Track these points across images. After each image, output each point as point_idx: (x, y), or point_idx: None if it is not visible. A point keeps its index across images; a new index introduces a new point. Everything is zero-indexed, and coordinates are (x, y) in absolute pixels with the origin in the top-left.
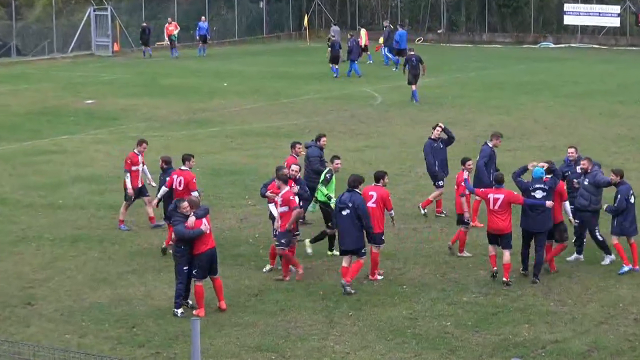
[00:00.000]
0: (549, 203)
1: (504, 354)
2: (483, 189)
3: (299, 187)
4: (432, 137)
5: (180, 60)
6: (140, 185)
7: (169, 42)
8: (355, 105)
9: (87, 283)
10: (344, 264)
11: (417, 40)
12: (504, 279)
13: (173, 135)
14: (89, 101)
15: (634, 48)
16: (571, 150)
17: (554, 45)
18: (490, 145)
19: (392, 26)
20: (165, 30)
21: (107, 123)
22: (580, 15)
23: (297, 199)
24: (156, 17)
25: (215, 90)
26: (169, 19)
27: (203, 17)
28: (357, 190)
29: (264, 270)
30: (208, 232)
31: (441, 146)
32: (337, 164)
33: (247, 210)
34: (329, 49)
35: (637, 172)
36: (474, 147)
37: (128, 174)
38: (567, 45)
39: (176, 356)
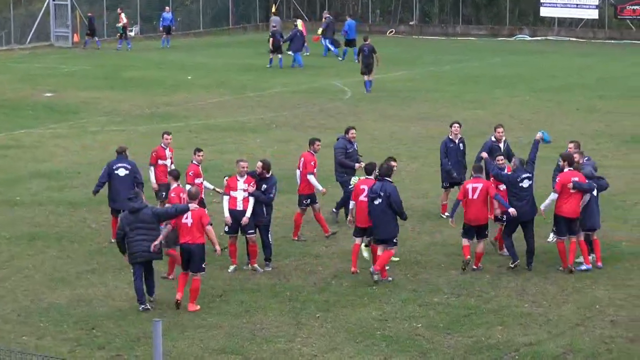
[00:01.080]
0: (512, 211)
1: (477, 356)
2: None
3: (264, 185)
4: (449, 136)
5: (143, 52)
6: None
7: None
8: (324, 100)
9: (45, 283)
10: (379, 252)
11: (389, 32)
12: (474, 267)
13: (135, 130)
14: (48, 94)
15: (612, 41)
16: (571, 145)
17: (530, 38)
18: (493, 139)
19: (332, 16)
20: (120, 21)
21: (67, 117)
22: (557, 7)
23: (225, 199)
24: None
25: (179, 83)
26: (119, 10)
27: (167, 8)
28: (388, 179)
29: (229, 270)
30: (189, 224)
31: (461, 147)
32: (353, 133)
33: (212, 208)
34: (271, 39)
35: (615, 169)
36: None
37: (152, 168)
38: (543, 37)
39: (137, 358)
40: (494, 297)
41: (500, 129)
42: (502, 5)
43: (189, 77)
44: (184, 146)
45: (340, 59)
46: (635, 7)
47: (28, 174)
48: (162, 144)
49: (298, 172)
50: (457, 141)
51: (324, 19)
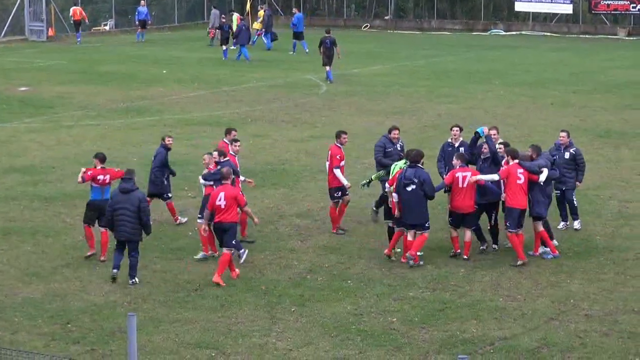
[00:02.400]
0: (504, 196)
1: (451, 350)
2: (448, 173)
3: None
4: (449, 139)
5: (119, 47)
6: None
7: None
8: (299, 94)
9: (19, 277)
10: (410, 237)
11: (364, 27)
12: (465, 256)
13: (110, 124)
14: (23, 88)
15: (587, 36)
16: (563, 134)
17: (504, 33)
18: (449, 141)
19: (271, 10)
20: (73, 15)
21: (42, 111)
22: (531, 2)
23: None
24: (92, 2)
25: (154, 77)
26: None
27: (142, 1)
28: (419, 165)
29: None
30: (222, 206)
31: (461, 152)
32: (396, 133)
33: (187, 202)
34: (219, 31)
35: (589, 163)
36: (422, 138)
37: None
38: (518, 32)
39: (112, 353)
40: (468, 292)
41: (455, 129)
42: (476, 0)
43: (164, 72)
44: (158, 140)
45: (292, 52)
46: (609, 2)
47: (2, 168)
48: (226, 140)
49: (327, 164)
50: (456, 145)
51: (263, 12)
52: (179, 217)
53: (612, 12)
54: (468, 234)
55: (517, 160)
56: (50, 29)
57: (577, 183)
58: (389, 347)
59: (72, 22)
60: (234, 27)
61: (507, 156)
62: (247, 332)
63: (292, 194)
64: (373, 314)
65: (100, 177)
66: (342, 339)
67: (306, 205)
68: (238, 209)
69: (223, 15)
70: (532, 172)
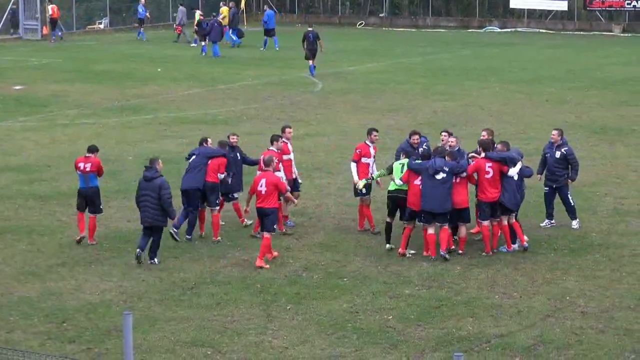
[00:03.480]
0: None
1: (447, 348)
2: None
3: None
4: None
5: (114, 45)
6: (293, 177)
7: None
8: (294, 92)
9: (15, 276)
10: (430, 231)
11: (359, 24)
12: (460, 251)
13: (105, 123)
14: (18, 87)
15: (582, 33)
16: (554, 132)
17: (499, 30)
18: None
19: (236, 7)
20: (52, 13)
21: (37, 110)
22: None
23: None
24: (87, 0)
25: (149, 76)
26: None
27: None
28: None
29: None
30: (263, 192)
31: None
32: (416, 139)
33: (180, 201)
34: (195, 27)
35: (585, 159)
36: None
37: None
38: (513, 29)
39: (108, 352)
40: (464, 289)
41: (415, 136)
42: None
43: (159, 70)
44: (153, 138)
45: (262, 49)
46: None
47: None
48: (284, 138)
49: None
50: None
51: (227, 9)
52: (245, 219)
53: (607, 8)
54: (463, 230)
55: (483, 155)
56: (44, 28)
57: (570, 181)
58: (385, 344)
59: (49, 20)
60: (102, 25)
61: (479, 148)
62: (243, 330)
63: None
64: (369, 312)
65: (81, 164)
66: (338, 337)
67: (301, 203)
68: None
69: (201, 13)
70: (500, 161)
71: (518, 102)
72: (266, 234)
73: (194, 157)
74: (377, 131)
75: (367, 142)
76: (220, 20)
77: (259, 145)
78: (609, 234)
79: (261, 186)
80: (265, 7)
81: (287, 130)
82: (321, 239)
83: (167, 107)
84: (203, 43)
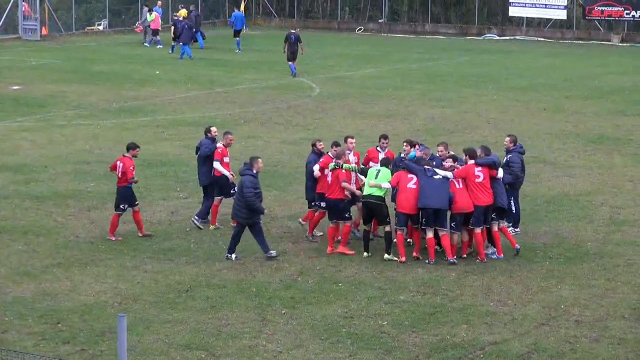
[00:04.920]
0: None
1: (442, 355)
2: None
3: None
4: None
5: (112, 46)
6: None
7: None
8: (292, 96)
9: (10, 277)
10: (429, 234)
11: (357, 30)
12: (464, 255)
13: (102, 124)
14: (15, 87)
15: (580, 41)
16: (507, 138)
17: (498, 37)
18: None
19: (197, 11)
20: (24, 12)
21: (34, 110)
22: (525, 6)
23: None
24: (86, 1)
25: (147, 77)
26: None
27: (160, 2)
28: None
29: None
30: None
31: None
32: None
33: (178, 203)
34: (172, 27)
35: (582, 168)
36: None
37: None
38: (512, 37)
39: (102, 353)
40: (459, 296)
41: (384, 141)
42: (471, 4)
43: (157, 72)
44: (150, 141)
45: (238, 51)
46: (603, 8)
47: None
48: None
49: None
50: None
51: (186, 12)
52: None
53: (606, 18)
54: (465, 235)
55: (473, 161)
56: (43, 28)
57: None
58: (379, 350)
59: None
60: (151, 23)
61: (465, 156)
62: (238, 334)
63: (284, 196)
64: (363, 317)
65: (117, 163)
66: (333, 342)
67: (298, 208)
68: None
69: (176, 14)
70: (489, 166)
71: (515, 110)
72: (345, 223)
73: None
74: (386, 138)
75: (378, 148)
76: (190, 22)
77: (256, 148)
78: (604, 243)
79: (329, 177)
80: (235, 8)
81: (350, 140)
82: (317, 244)
83: (164, 109)
84: (173, 43)
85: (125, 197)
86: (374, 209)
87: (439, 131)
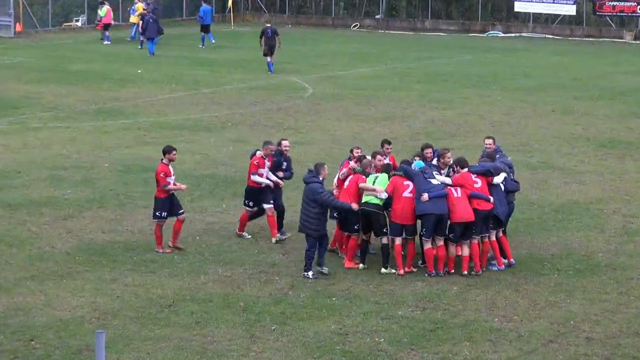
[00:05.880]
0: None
1: None
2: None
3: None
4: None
5: (90, 44)
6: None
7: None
8: (283, 97)
9: None
10: (428, 245)
11: (353, 27)
12: (464, 272)
13: (80, 127)
14: None
15: (591, 39)
16: (489, 141)
17: (503, 35)
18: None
19: (155, 3)
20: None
21: (7, 112)
22: (532, 2)
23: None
24: None
25: (128, 77)
26: None
27: None
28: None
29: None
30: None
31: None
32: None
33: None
34: (140, 22)
35: (592, 174)
36: (413, 146)
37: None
38: (517, 34)
39: None
40: (461, 311)
41: (387, 146)
42: None
43: (139, 71)
44: (131, 144)
45: (201, 46)
46: (614, 4)
47: None
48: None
49: None
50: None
51: (141, 5)
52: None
53: (618, 14)
54: (465, 248)
55: (466, 169)
56: (17, 24)
57: None
58: None
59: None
60: (103, 18)
61: (457, 167)
62: (224, 352)
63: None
64: (359, 334)
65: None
66: None
67: (289, 216)
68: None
69: (145, 7)
70: (483, 174)
71: (521, 111)
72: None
73: None
74: (389, 143)
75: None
76: (154, 16)
77: (245, 153)
78: (616, 255)
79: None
80: (203, 2)
81: (386, 146)
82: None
83: (146, 111)
84: (141, 37)
85: (163, 205)
86: (371, 218)
87: (440, 135)
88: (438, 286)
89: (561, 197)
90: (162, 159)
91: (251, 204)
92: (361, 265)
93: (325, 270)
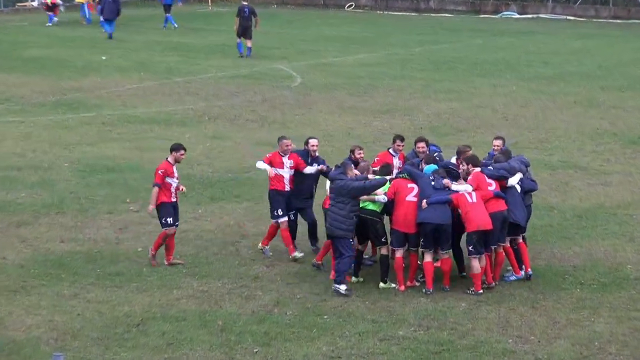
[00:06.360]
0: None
1: None
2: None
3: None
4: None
5: (48, 27)
6: None
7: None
8: (268, 87)
9: None
10: (428, 258)
11: (347, 7)
12: (477, 290)
13: (36, 121)
14: None
15: (618, 21)
16: (497, 142)
17: (518, 16)
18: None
19: None
20: None
21: None
22: None
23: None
24: None
25: (91, 64)
26: None
27: None
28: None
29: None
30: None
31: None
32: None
33: (128, 218)
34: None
35: (620, 175)
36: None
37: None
38: (535, 15)
39: None
40: (470, 331)
41: (400, 142)
42: None
43: (104, 58)
44: (95, 141)
45: (163, 27)
46: None
47: None
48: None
49: None
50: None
51: None
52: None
53: None
54: (483, 260)
55: (478, 169)
56: None
57: None
58: None
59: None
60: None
61: (467, 165)
62: None
63: (258, 209)
64: (354, 357)
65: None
66: None
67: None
68: None
69: None
70: (497, 179)
71: (539, 103)
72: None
73: None
74: (402, 140)
75: (391, 151)
76: None
77: (224, 151)
78: None
79: None
80: None
81: (398, 142)
82: (297, 267)
83: (111, 103)
84: (101, 18)
85: (168, 211)
86: (368, 226)
87: (446, 130)
88: (444, 302)
89: (584, 200)
90: (167, 157)
91: (280, 212)
92: (354, 279)
93: (341, 289)
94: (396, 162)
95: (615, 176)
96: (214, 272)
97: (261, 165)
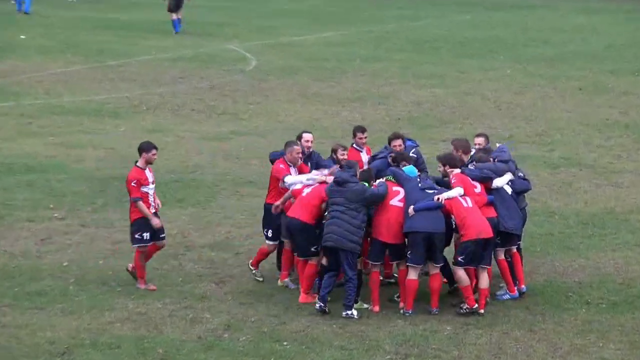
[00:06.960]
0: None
1: None
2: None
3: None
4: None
5: None
6: None
7: None
8: (217, 71)
9: None
10: (412, 276)
11: None
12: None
13: None
14: None
15: None
16: (479, 139)
17: None
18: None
19: None
20: None
21: None
22: None
23: None
24: None
25: (8, 45)
26: None
27: None
28: None
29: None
30: None
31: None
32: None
33: (52, 227)
34: None
35: (632, 174)
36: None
37: None
38: None
39: None
40: (457, 359)
41: (360, 134)
42: None
43: (22, 37)
44: (11, 136)
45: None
46: None
47: None
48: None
49: None
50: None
51: None
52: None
53: None
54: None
55: (458, 170)
56: None
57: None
58: None
59: None
60: None
61: (444, 166)
62: None
63: (205, 216)
64: None
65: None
66: None
67: (224, 232)
68: None
69: None
70: (481, 180)
71: (538, 90)
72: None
73: None
74: (363, 132)
75: (355, 146)
76: None
77: (165, 147)
78: None
79: None
80: None
81: (359, 135)
82: (252, 284)
83: (32, 90)
84: None
85: (145, 225)
86: None
87: (429, 121)
88: (425, 326)
89: (591, 204)
90: (136, 162)
91: (270, 233)
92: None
93: (353, 314)
94: (364, 157)
95: (627, 175)
96: (153, 291)
97: (292, 179)
